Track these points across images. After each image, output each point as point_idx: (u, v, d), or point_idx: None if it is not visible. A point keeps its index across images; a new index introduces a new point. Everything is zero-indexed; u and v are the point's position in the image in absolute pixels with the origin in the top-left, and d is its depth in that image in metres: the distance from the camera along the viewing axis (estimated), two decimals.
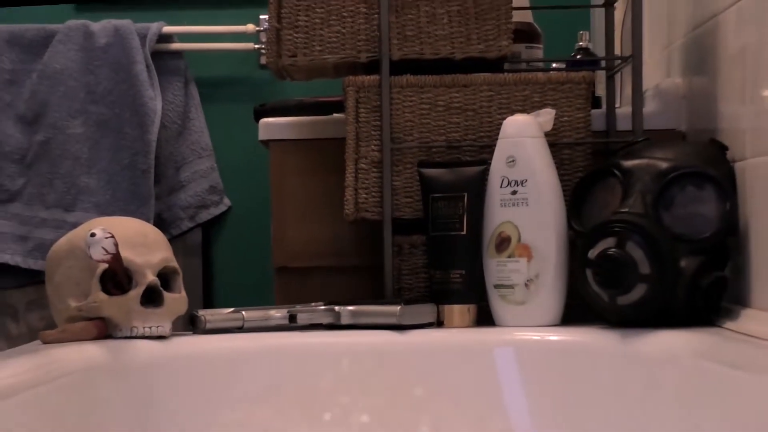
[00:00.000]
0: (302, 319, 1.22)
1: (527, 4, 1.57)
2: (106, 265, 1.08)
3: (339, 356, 1.17)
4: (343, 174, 1.36)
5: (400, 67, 1.36)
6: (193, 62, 2.12)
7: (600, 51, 1.65)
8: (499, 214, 1.25)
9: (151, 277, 1.11)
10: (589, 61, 1.59)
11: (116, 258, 1.07)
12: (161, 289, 1.12)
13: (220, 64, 2.16)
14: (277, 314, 1.22)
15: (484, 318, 1.26)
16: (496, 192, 1.25)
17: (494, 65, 1.39)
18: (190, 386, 1.12)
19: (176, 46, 2.10)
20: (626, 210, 1.14)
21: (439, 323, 1.25)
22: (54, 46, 2.03)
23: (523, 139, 1.25)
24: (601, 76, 1.56)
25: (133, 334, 1.11)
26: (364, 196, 1.35)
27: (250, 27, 2.09)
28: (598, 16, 1.80)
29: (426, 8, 1.36)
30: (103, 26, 2.04)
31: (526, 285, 1.23)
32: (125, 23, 2.04)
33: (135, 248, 1.10)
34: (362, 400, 1.15)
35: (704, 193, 1.16)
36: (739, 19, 1.16)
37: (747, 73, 1.14)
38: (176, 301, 1.14)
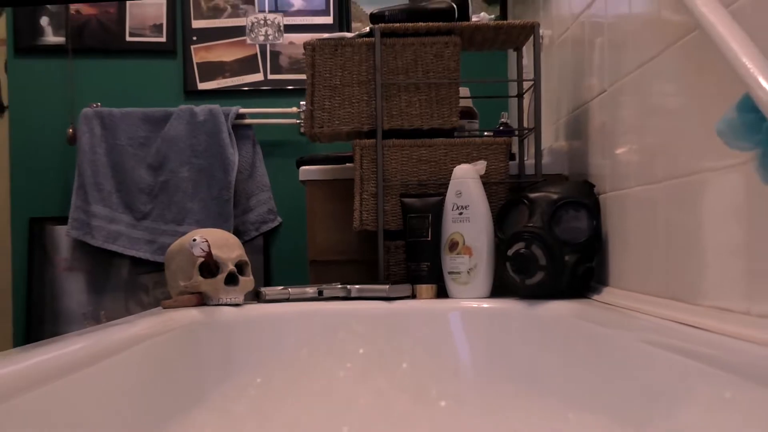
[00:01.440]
0: (326, 293, 1.22)
1: (469, 95, 1.57)
2: (202, 259, 1.08)
3: (350, 318, 1.16)
4: (353, 201, 1.36)
5: (389, 133, 1.36)
6: (258, 131, 2.12)
7: (514, 124, 1.65)
8: (451, 227, 1.25)
9: (231, 267, 1.11)
10: (508, 131, 1.60)
11: (209, 255, 1.07)
12: (237, 274, 1.12)
13: (274, 132, 2.16)
14: (311, 290, 1.22)
15: (442, 293, 1.26)
16: (449, 213, 1.25)
17: (448, 133, 1.39)
18: (256, 337, 1.12)
19: (247, 121, 2.10)
20: (531, 225, 1.14)
21: (413, 297, 1.25)
22: (171, 122, 2.03)
23: (466, 179, 1.25)
24: (515, 140, 1.56)
25: (220, 303, 1.11)
26: (366, 215, 1.35)
27: (294, 109, 2.10)
28: (513, 103, 1.81)
29: (405, 97, 1.36)
30: (201, 109, 2.04)
31: (468, 272, 1.23)
32: (215, 107, 2.04)
33: (221, 248, 1.10)
34: (365, 347, 1.14)
35: (580, 214, 1.16)
36: (600, 106, 1.17)
37: (605, 139, 1.14)
38: (247, 282, 1.14)
